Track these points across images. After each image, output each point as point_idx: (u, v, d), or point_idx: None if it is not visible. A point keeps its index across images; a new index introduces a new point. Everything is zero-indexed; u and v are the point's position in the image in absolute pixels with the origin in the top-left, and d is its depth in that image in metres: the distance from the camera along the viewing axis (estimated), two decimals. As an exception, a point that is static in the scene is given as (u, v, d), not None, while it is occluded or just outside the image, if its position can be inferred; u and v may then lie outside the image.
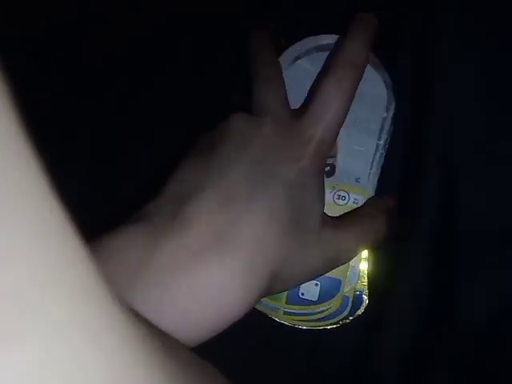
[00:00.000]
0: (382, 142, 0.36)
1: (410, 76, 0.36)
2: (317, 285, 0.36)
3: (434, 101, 0.34)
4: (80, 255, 0.13)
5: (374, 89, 0.36)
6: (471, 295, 0.32)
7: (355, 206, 0.36)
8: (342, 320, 0.36)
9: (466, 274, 0.33)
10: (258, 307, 0.36)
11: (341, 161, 0.36)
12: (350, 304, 0.36)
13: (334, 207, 0.36)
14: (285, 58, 0.37)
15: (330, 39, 0.37)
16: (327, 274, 0.35)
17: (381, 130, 0.36)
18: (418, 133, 0.35)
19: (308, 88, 0.36)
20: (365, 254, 0.36)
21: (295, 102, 0.35)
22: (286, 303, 0.36)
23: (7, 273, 0.10)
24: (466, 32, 0.34)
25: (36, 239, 0.12)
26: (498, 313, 0.31)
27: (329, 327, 0.36)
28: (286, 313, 0.36)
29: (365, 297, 0.36)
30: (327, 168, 0.36)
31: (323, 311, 0.36)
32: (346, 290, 0.36)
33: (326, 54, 0.36)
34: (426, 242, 0.34)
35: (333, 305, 0.36)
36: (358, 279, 0.36)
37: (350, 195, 0.36)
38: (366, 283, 0.36)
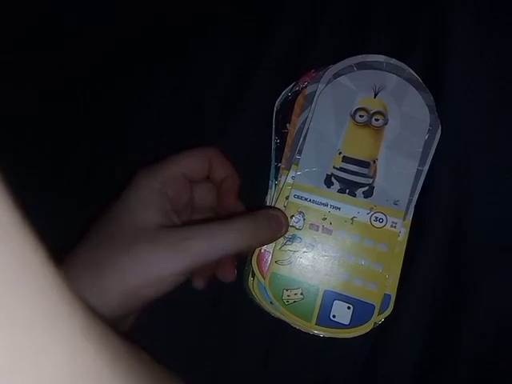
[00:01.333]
0: (424, 168, 0.35)
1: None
2: (349, 308, 0.35)
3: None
4: (39, 260, 0.14)
5: (417, 111, 0.35)
6: (482, 302, 0.34)
7: (393, 229, 0.35)
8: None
9: (477, 282, 0.34)
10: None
11: (380, 182, 0.35)
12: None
13: (370, 229, 0.35)
14: (326, 76, 0.36)
15: (370, 58, 0.36)
16: (361, 298, 0.35)
17: (423, 155, 0.35)
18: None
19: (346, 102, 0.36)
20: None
21: (335, 115, 0.35)
22: (317, 324, 0.35)
23: None
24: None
25: None
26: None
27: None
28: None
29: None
30: (365, 188, 0.35)
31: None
32: (379, 317, 0.35)
33: (366, 71, 0.36)
34: (438, 249, 0.35)
35: (364, 330, 0.35)
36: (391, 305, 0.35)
37: (388, 218, 0.35)
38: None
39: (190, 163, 0.33)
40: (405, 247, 0.35)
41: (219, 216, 0.36)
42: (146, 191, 0.31)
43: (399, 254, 0.35)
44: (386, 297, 0.35)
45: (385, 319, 0.35)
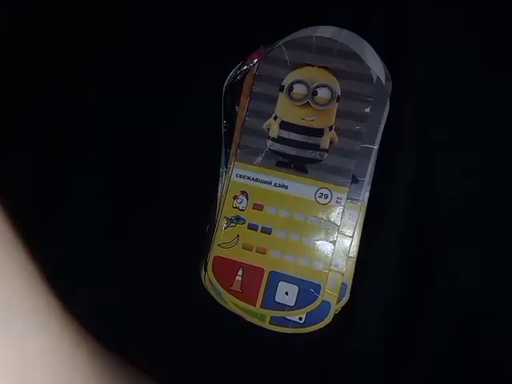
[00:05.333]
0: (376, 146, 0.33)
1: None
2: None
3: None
4: (18, 267, 0.16)
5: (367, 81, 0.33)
6: (442, 289, 0.32)
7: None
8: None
9: (440, 261, 0.32)
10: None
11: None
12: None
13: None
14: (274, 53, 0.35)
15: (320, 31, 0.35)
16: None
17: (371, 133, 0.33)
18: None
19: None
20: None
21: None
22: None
23: None
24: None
25: None
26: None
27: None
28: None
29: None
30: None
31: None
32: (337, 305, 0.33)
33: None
34: (399, 229, 0.33)
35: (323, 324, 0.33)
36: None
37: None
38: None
39: None
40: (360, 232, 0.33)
41: None
42: None
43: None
44: (343, 285, 0.33)
45: (342, 308, 0.34)
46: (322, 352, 0.34)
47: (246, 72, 0.36)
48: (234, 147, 0.35)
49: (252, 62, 0.35)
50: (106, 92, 0.38)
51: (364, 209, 0.33)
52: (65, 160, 0.37)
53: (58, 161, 0.37)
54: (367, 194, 0.33)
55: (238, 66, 0.36)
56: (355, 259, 0.34)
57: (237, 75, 0.36)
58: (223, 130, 0.36)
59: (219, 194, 0.35)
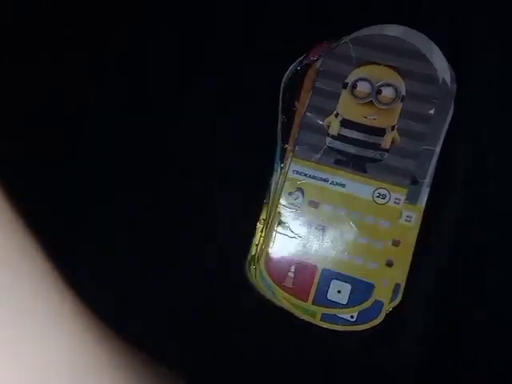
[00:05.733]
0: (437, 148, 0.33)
1: None
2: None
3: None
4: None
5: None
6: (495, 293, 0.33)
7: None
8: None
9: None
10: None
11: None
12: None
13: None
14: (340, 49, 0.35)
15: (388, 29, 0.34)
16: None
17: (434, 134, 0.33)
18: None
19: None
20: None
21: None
22: (313, 304, 0.34)
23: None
24: None
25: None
26: None
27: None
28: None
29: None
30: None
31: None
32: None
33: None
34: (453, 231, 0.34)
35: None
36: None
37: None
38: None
39: None
40: (416, 235, 0.33)
41: None
42: None
43: (409, 243, 0.33)
44: (396, 286, 0.33)
45: (393, 309, 0.33)
46: (369, 350, 0.34)
47: (308, 67, 0.35)
48: (291, 143, 0.35)
49: (314, 57, 0.35)
50: (106, 92, 0.38)
51: (421, 211, 0.33)
52: (65, 160, 0.37)
53: (58, 161, 0.37)
54: (426, 197, 0.33)
55: (298, 61, 0.35)
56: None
57: (297, 70, 0.36)
58: (280, 125, 0.36)
59: (272, 189, 0.35)
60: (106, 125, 0.38)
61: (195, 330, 0.36)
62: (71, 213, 0.37)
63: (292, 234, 0.34)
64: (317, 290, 0.34)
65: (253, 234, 0.35)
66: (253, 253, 0.35)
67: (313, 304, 0.34)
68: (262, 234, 0.35)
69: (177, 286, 0.36)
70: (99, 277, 0.34)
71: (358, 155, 0.34)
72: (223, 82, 0.36)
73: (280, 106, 0.36)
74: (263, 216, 0.35)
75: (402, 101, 0.33)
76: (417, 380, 0.35)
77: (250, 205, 0.36)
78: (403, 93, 0.33)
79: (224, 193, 0.36)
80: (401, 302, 0.33)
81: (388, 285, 0.33)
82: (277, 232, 0.34)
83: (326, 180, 0.34)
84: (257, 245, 0.35)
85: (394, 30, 0.34)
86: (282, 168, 0.35)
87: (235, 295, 0.36)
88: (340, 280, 0.33)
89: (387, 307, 0.33)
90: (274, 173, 0.35)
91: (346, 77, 0.34)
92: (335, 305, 0.33)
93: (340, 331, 0.34)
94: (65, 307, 0.17)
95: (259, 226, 0.35)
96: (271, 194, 0.35)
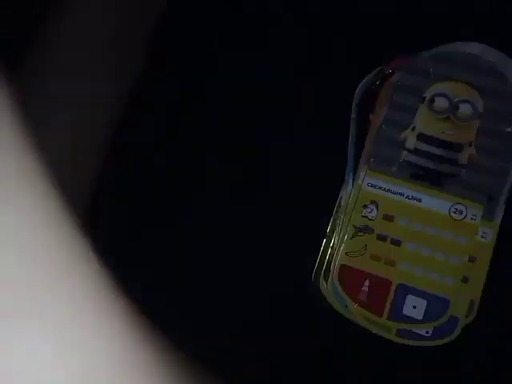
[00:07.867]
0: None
1: None
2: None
3: None
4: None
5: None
6: None
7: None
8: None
9: None
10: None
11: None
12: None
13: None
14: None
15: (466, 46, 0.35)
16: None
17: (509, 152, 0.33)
18: None
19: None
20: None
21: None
22: (388, 319, 0.33)
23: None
24: None
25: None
26: None
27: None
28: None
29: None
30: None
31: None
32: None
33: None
34: None
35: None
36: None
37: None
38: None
39: None
40: (491, 251, 0.33)
41: None
42: None
43: (484, 259, 0.33)
44: (471, 302, 0.33)
45: (467, 325, 0.33)
46: (443, 366, 0.34)
47: (384, 80, 0.35)
48: (365, 156, 0.35)
49: (390, 71, 0.35)
50: None
51: (497, 227, 0.33)
52: None
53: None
54: (501, 214, 0.33)
55: (372, 74, 0.35)
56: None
57: (372, 83, 0.35)
58: (351, 139, 0.36)
59: (343, 202, 0.35)
60: None
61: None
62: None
63: (369, 246, 0.34)
64: (392, 304, 0.33)
65: (325, 248, 0.35)
66: (324, 266, 0.34)
67: (388, 319, 0.33)
68: (334, 248, 0.34)
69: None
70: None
71: (435, 170, 0.34)
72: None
73: (352, 118, 0.36)
74: (333, 229, 0.35)
75: (479, 117, 0.33)
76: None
77: (321, 218, 0.35)
78: (481, 110, 0.33)
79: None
80: (475, 317, 0.33)
81: (463, 301, 0.33)
82: (351, 241, 0.34)
83: (401, 194, 0.34)
84: (329, 258, 0.34)
85: (473, 48, 0.34)
86: (353, 180, 0.35)
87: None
88: (415, 295, 0.33)
89: (463, 323, 0.33)
90: (346, 186, 0.35)
91: (424, 91, 0.34)
92: (411, 320, 0.33)
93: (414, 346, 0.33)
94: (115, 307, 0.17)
95: (330, 239, 0.35)
96: (343, 207, 0.35)
